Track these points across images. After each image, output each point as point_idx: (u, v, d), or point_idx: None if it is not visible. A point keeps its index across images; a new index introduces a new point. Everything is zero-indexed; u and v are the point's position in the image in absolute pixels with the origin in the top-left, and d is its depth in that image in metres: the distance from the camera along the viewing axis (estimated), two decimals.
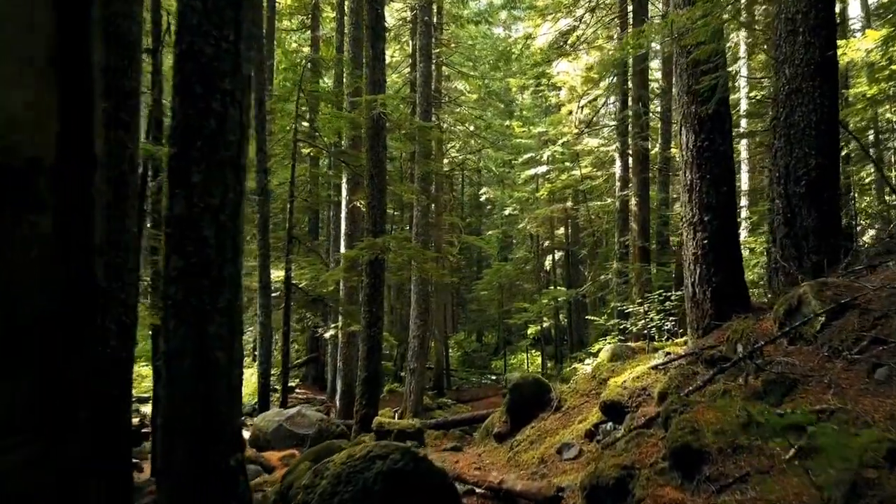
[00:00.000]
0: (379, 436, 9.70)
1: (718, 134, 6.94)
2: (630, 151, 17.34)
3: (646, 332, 13.41)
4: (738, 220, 22.49)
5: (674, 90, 7.44)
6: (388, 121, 12.77)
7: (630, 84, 17.31)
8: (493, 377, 32.26)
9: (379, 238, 11.31)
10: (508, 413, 8.52)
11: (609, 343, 14.77)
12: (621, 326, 15.16)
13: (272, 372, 21.09)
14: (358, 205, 15.34)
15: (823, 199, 7.75)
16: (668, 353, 6.88)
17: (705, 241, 6.82)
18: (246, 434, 12.22)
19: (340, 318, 14.53)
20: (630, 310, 14.24)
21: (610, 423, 6.25)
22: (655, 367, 6.56)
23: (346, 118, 12.39)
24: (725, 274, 6.80)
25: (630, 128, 16.92)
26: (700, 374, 5.89)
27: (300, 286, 14.70)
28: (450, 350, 34.21)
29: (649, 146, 17.22)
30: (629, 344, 13.95)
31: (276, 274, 14.43)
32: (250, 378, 20.80)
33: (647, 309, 13.15)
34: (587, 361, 14.46)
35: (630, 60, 17.67)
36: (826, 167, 7.70)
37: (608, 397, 6.32)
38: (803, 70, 7.98)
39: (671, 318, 13.46)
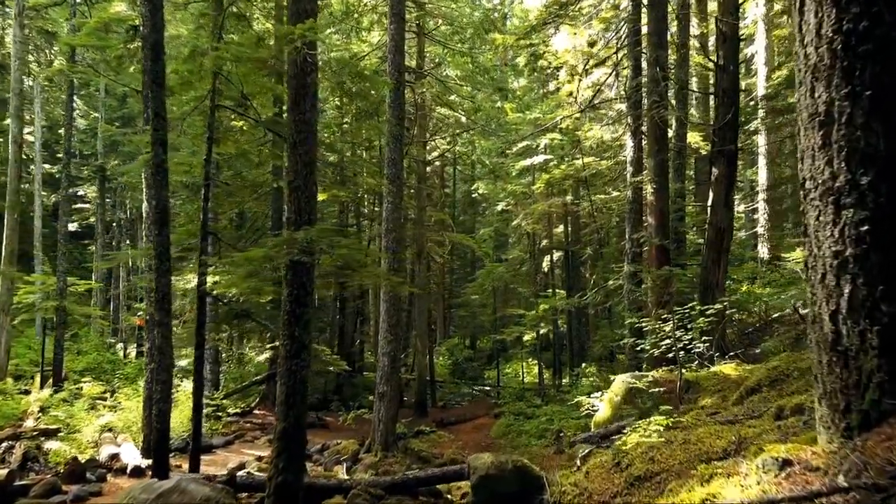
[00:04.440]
0: None
1: (887, 5, 3.23)
2: (644, 128, 13.65)
3: (670, 355, 9.71)
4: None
5: None
6: (324, 77, 9.13)
7: (645, 44, 13.59)
8: (487, 388, 28.57)
9: (301, 232, 7.63)
10: None
11: (621, 373, 11.13)
12: (637, 347, 11.45)
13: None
14: None
15: None
16: (785, 463, 3.18)
17: (863, 228, 3.13)
18: None
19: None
20: (648, 326, 10.50)
21: None
22: None
23: (255, 59, 8.67)
24: None
25: (645, 98, 13.23)
26: None
27: (227, 297, 11.04)
28: (440, 358, 30.54)
29: (669, 120, 13.52)
30: (652, 375, 10.24)
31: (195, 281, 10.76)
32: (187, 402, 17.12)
33: (675, 326, 9.42)
34: (594, 395, 10.74)
35: (644, 15, 14.00)
36: None
37: None
38: None
39: (705, 339, 9.76)
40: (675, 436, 4.85)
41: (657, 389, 8.27)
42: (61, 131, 33.62)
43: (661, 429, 4.72)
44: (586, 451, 5.50)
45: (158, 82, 9.31)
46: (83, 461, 12.29)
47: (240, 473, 10.76)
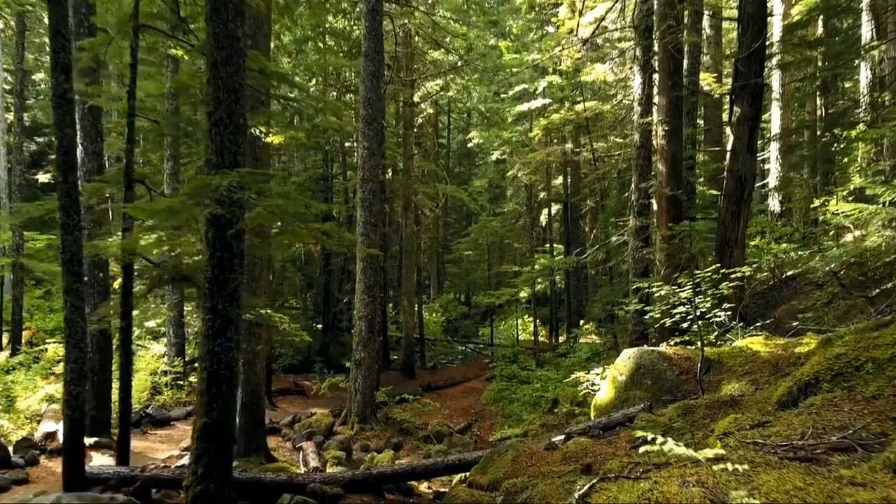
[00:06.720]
0: None
1: None
2: (656, 62, 11.63)
3: (685, 325, 7.94)
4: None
5: None
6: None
7: None
8: (481, 345, 27.04)
9: (217, 176, 5.78)
10: None
11: (625, 345, 9.41)
12: (645, 314, 9.68)
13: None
14: (257, 133, 9.77)
15: None
16: None
17: None
18: None
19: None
20: (659, 291, 8.67)
21: None
22: None
23: None
24: None
25: (657, 25, 11.18)
26: None
27: (166, 258, 9.22)
28: (433, 314, 28.92)
29: (684, 50, 11.48)
30: (661, 349, 8.51)
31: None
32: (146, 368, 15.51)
33: (694, 292, 7.60)
34: (594, 371, 9.02)
35: None
36: None
37: None
38: None
39: (725, 307, 7.95)
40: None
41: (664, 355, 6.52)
42: (35, 76, 31.34)
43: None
44: (586, 485, 3.77)
45: None
46: (14, 441, 10.72)
47: (178, 464, 9.18)
